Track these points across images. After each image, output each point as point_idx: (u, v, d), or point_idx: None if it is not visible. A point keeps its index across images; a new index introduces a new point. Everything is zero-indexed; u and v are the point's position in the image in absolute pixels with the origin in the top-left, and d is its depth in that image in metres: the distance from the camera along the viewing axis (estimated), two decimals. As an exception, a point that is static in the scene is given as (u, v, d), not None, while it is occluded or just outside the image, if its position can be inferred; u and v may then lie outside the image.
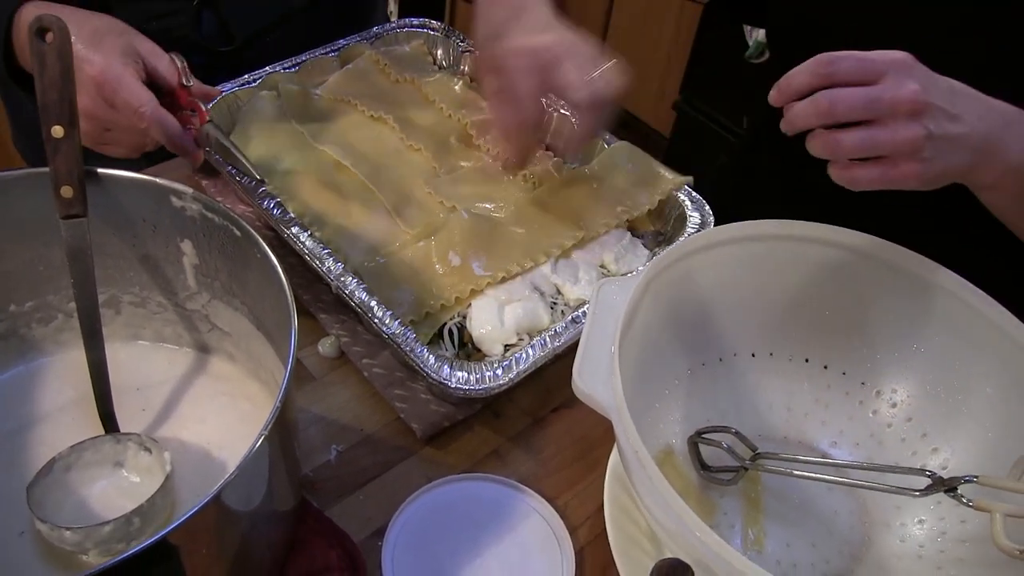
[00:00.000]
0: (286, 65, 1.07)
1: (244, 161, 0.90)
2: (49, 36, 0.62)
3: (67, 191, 0.65)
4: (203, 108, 0.89)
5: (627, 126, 2.74)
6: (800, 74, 0.65)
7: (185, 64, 0.88)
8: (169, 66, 0.87)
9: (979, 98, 0.68)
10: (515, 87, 0.84)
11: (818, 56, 0.65)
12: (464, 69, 1.15)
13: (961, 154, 0.66)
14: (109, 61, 0.79)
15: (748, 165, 1.17)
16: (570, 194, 0.95)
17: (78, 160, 0.65)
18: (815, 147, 0.66)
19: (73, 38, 0.68)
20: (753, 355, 0.80)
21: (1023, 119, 0.69)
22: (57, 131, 0.64)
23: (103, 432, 0.71)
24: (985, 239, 0.80)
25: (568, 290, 0.86)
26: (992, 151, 0.67)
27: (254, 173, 0.90)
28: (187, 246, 0.73)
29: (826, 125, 0.65)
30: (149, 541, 0.46)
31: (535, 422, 0.83)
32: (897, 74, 0.64)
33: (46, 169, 0.65)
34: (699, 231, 0.91)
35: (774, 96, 0.67)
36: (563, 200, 0.94)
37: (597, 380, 0.63)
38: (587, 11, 2.76)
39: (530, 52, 0.83)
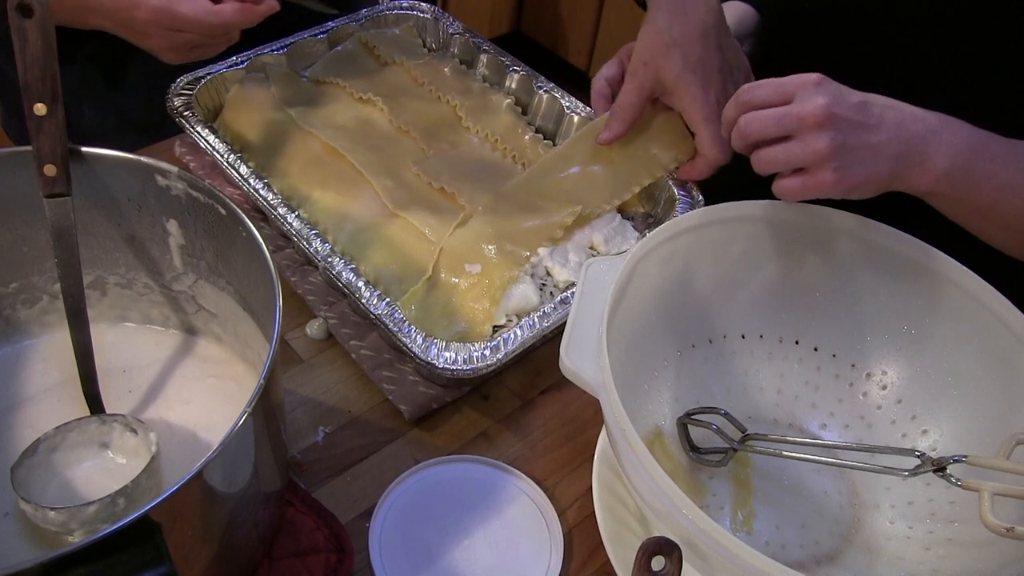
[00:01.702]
0: (274, 47, 1.06)
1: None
2: (30, 12, 0.61)
3: (50, 170, 0.65)
4: None
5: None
6: (728, 107, 0.74)
7: None
8: None
9: (900, 108, 0.71)
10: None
11: (739, 89, 0.73)
12: (454, 52, 1.14)
13: (880, 162, 0.70)
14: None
15: (743, 160, 1.16)
16: (561, 176, 0.94)
17: (62, 138, 0.65)
18: (755, 167, 0.72)
19: None
20: (743, 337, 0.80)
21: (951, 127, 0.72)
22: (40, 109, 0.63)
23: (89, 413, 0.71)
24: (975, 240, 0.80)
25: (558, 272, 0.86)
26: (917, 159, 0.70)
27: (325, 8, 0.94)
28: (173, 226, 0.72)
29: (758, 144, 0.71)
30: (130, 517, 0.46)
31: (524, 404, 0.82)
32: (805, 92, 0.69)
33: (29, 148, 0.64)
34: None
35: (723, 130, 0.76)
36: (556, 183, 0.93)
37: (585, 358, 0.62)
38: (578, 7, 2.75)
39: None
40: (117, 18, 0.84)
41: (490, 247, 0.85)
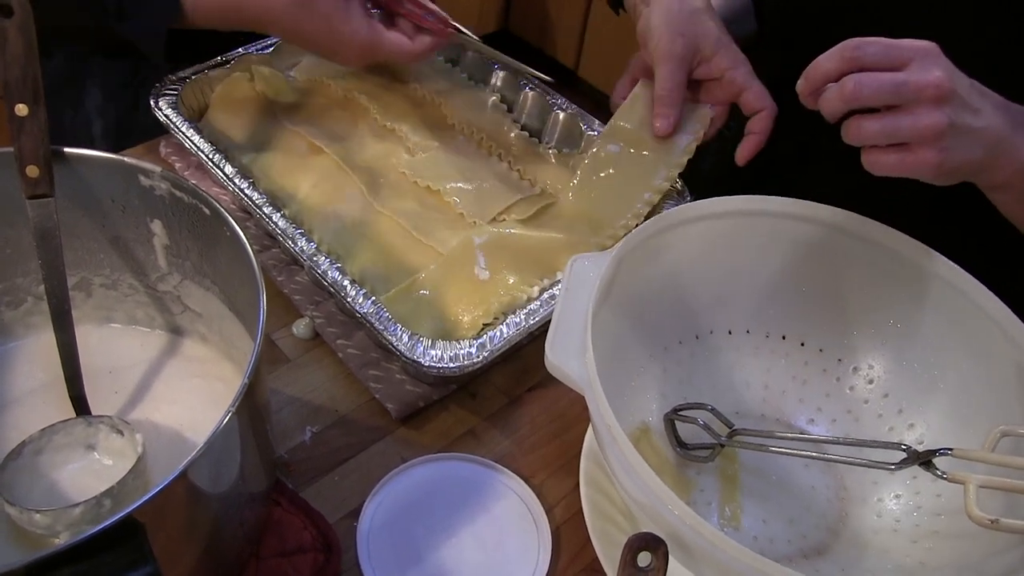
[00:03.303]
0: (259, 46, 1.06)
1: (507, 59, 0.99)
2: (9, 12, 0.61)
3: (33, 171, 0.64)
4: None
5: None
6: (827, 60, 0.66)
7: None
8: None
9: (995, 96, 0.68)
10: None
11: (845, 41, 0.65)
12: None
13: (976, 149, 0.66)
14: (363, 31, 0.87)
15: (730, 154, 1.16)
16: (580, 193, 0.94)
17: (44, 139, 0.64)
18: (845, 135, 0.66)
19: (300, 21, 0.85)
20: (730, 332, 0.80)
21: None
22: (21, 109, 0.63)
23: (74, 415, 0.70)
24: (958, 235, 0.80)
25: (545, 269, 0.86)
26: (1005, 150, 0.68)
27: (535, 72, 0.99)
28: (157, 226, 0.72)
29: (854, 111, 0.65)
30: (115, 517, 0.46)
31: (511, 402, 0.82)
32: (923, 61, 0.64)
33: (10, 149, 0.64)
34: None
35: (802, 84, 0.68)
36: (574, 201, 0.93)
37: (570, 355, 0.62)
38: (566, 6, 2.75)
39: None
40: (321, 44, 0.89)
41: (519, 257, 0.86)
